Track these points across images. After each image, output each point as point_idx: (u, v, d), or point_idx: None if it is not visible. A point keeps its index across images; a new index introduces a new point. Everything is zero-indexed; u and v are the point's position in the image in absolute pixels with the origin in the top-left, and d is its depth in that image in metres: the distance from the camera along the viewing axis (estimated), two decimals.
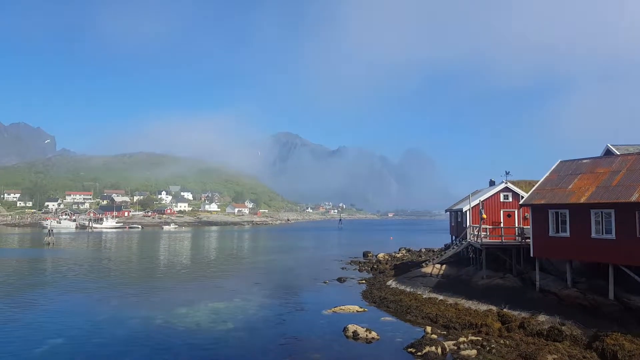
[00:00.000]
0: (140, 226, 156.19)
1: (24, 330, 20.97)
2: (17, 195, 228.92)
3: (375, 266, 44.49)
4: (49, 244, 68.94)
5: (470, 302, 23.73)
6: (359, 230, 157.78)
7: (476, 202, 32.97)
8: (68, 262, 48.82)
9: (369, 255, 56.05)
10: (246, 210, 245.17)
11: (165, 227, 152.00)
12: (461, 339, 18.62)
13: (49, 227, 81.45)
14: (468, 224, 32.44)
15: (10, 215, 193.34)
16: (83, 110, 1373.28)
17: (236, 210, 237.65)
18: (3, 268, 45.62)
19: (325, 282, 35.86)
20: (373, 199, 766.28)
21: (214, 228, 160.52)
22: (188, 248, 73.81)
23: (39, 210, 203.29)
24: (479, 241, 28.75)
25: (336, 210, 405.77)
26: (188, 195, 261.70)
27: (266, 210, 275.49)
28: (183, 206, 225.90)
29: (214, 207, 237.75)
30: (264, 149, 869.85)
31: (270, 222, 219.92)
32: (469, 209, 33.18)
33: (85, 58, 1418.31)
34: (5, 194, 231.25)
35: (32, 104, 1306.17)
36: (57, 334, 20.38)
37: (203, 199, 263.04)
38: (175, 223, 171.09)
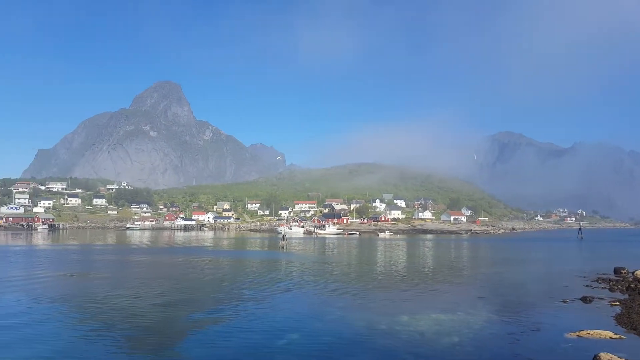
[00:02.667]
0: (357, 233, 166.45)
1: (265, 323, 24.26)
2: (258, 204, 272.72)
3: (632, 285, 36.97)
4: (283, 247, 79.33)
5: None
6: (606, 241, 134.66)
7: None
8: (299, 265, 55.33)
9: (623, 272, 46.93)
10: (463, 218, 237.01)
11: (381, 234, 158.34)
12: None
13: (282, 232, 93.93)
14: None
15: (252, 222, 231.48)
16: (303, 129, 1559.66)
17: (452, 218, 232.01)
18: (249, 268, 54.68)
19: (564, 302, 31.45)
20: (622, 204, 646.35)
21: (429, 236, 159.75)
22: (404, 256, 75.14)
23: (274, 217, 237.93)
24: None
25: (573, 218, 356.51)
26: (401, 203, 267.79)
27: (486, 219, 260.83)
28: (396, 214, 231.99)
29: (427, 214, 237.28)
30: (479, 151, 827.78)
31: (492, 231, 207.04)
32: None
33: (300, 83, 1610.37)
34: (249, 204, 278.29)
35: (265, 127, 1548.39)
36: (293, 329, 22.98)
37: (416, 206, 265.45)
38: (390, 230, 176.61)
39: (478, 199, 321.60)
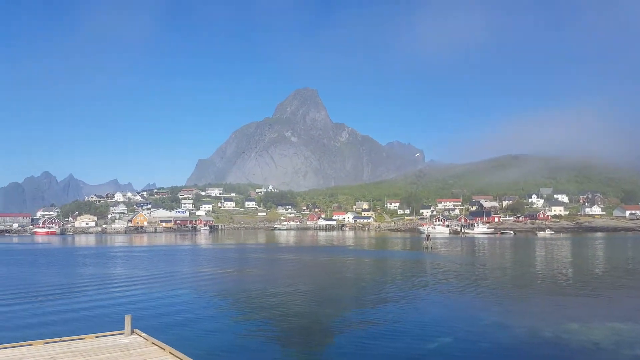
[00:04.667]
0: (512, 232, 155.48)
1: (413, 326, 23.76)
2: (397, 204, 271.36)
3: None
4: (427, 247, 77.46)
5: None
6: None
7: None
8: (446, 266, 53.41)
9: None
10: None
11: (540, 233, 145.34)
12: None
13: (426, 232, 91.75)
14: None
15: (392, 221, 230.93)
16: (441, 123, 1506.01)
17: (627, 213, 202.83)
18: (392, 268, 54.50)
19: None
20: None
21: (598, 235, 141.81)
22: (569, 257, 67.63)
23: (415, 216, 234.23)
24: None
25: None
26: (562, 198, 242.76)
27: None
28: (558, 210, 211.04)
29: (596, 210, 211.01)
30: None
31: None
32: None
33: (431, 76, 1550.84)
34: (388, 203, 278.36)
35: (401, 124, 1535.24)
36: (445, 333, 22.12)
37: (582, 201, 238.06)
38: (551, 229, 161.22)
39: None
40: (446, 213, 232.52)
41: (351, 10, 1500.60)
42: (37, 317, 25.33)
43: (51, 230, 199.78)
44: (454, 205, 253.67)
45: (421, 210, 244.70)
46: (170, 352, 12.18)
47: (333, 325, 24.56)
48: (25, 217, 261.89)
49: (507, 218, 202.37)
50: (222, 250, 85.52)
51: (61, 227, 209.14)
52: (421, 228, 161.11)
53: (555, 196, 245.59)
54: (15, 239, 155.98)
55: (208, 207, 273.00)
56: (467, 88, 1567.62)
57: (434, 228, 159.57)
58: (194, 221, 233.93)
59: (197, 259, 67.93)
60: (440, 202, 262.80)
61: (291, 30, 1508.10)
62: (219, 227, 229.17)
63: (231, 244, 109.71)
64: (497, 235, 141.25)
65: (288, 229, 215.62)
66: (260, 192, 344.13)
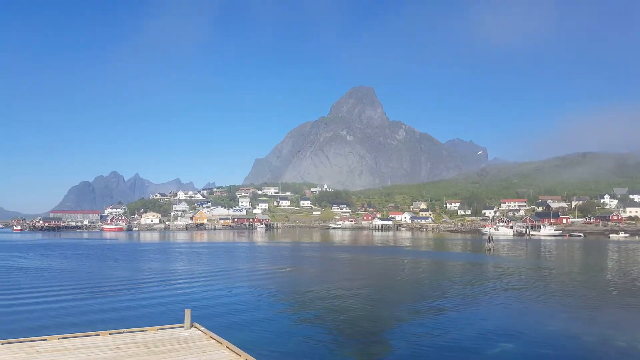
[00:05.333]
0: (581, 234, 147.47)
1: (473, 329, 23.05)
2: (457, 204, 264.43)
3: None
4: (489, 250, 74.83)
5: None
6: None
7: None
8: (509, 269, 51.41)
9: None
10: None
11: (613, 236, 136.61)
12: None
13: (488, 233, 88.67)
14: None
15: (452, 222, 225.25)
16: (505, 120, 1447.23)
17: None
18: (451, 270, 53.17)
19: None
20: None
21: None
22: None
23: (476, 217, 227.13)
24: None
25: None
26: (638, 199, 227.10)
27: None
28: (634, 211, 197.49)
29: None
30: None
31: None
32: None
33: (493, 70, 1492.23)
34: (447, 204, 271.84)
35: (462, 121, 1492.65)
36: (507, 337, 21.29)
37: None
38: (625, 231, 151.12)
39: None
40: (510, 214, 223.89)
41: (406, 5, 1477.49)
42: (104, 309, 26.93)
43: (118, 226, 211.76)
44: (518, 206, 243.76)
45: (483, 211, 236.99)
46: (227, 347, 12.53)
47: (390, 327, 24.32)
48: (94, 214, 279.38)
49: (577, 219, 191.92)
50: (277, 248, 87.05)
51: (127, 224, 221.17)
52: (483, 229, 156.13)
53: (631, 197, 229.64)
54: (85, 235, 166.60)
55: (264, 205, 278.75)
56: (532, 83, 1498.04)
57: (497, 229, 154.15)
58: (250, 219, 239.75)
59: (254, 257, 69.53)
60: (504, 203, 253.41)
61: (345, 29, 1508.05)
62: (275, 225, 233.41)
63: (286, 242, 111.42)
64: (565, 238, 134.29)
65: (343, 229, 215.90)
66: (315, 191, 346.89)
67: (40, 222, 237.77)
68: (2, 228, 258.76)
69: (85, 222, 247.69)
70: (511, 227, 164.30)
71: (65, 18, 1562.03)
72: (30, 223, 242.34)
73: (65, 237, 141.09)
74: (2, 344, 12.57)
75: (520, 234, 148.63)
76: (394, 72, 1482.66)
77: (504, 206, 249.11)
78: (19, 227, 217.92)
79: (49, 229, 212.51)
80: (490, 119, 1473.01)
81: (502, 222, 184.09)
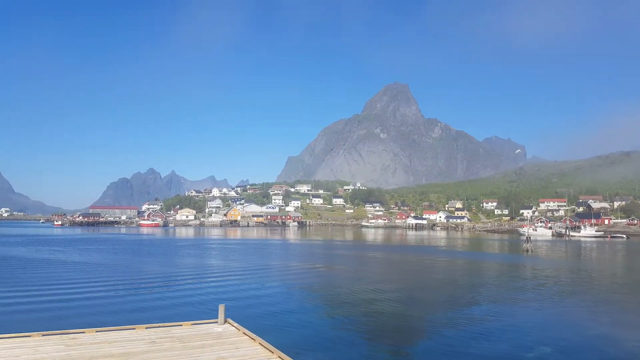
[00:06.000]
0: (624, 236, 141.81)
1: (510, 332, 22.48)
2: (494, 203, 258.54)
3: None
4: (527, 250, 72.95)
5: None
6: None
7: None
8: (547, 271, 49.96)
9: None
10: None
11: None
12: None
13: (526, 234, 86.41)
14: None
15: (489, 222, 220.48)
16: (545, 117, 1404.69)
17: None
18: (487, 271, 52.08)
19: None
20: None
21: None
22: None
23: (514, 217, 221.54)
24: None
25: None
26: None
27: None
28: None
29: None
30: None
31: None
32: None
33: (527, 66, 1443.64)
34: (484, 203, 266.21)
35: (500, 119, 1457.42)
36: (545, 342, 20.67)
37: None
38: None
39: None
40: (549, 214, 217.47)
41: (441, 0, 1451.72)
42: (139, 303, 27.70)
43: (155, 222, 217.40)
44: (558, 206, 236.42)
45: (521, 211, 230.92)
46: (260, 344, 12.67)
47: (422, 327, 24.05)
48: (132, 210, 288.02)
49: (619, 220, 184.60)
50: (310, 246, 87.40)
51: (164, 220, 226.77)
52: (521, 230, 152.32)
53: None
54: (123, 230, 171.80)
55: (297, 203, 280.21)
56: (574, 80, 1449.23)
57: (535, 230, 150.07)
58: (283, 217, 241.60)
59: (287, 254, 70.07)
60: (543, 202, 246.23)
61: (379, 26, 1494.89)
62: (307, 223, 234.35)
63: (319, 240, 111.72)
64: (607, 239, 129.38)
65: (376, 227, 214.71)
66: (348, 189, 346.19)
67: (80, 217, 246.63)
68: (44, 223, 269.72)
69: (123, 217, 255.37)
70: (550, 228, 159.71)
71: (104, 19, 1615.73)
72: (71, 218, 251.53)
73: (104, 232, 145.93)
74: (42, 335, 13.10)
75: (560, 235, 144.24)
76: (430, 69, 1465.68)
77: (542, 206, 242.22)
78: (60, 222, 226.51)
79: (88, 224, 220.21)
80: (529, 116, 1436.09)
81: (541, 222, 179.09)
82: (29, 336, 13.00)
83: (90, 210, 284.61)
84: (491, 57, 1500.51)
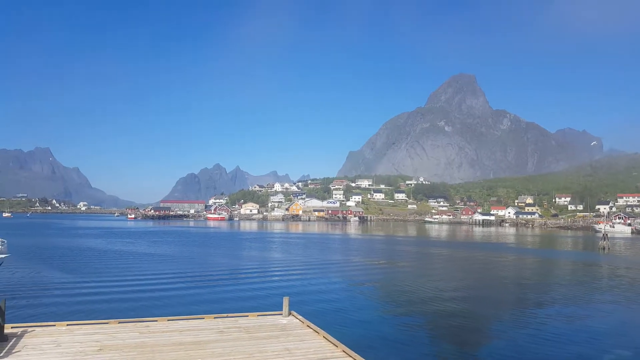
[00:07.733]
0: None
1: (584, 334, 21.42)
2: (568, 199, 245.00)
3: None
4: (603, 248, 68.88)
5: None
6: None
7: None
8: (626, 270, 46.86)
9: None
10: None
11: None
12: None
13: (602, 231, 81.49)
14: None
15: (562, 218, 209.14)
16: (624, 107, 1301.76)
17: None
18: (559, 270, 49.60)
19: None
20: None
21: None
22: None
23: (589, 213, 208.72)
24: None
25: None
26: None
27: None
28: None
29: None
30: None
31: None
32: None
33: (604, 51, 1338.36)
34: (557, 198, 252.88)
35: (574, 109, 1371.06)
36: (623, 346, 19.53)
37: None
38: None
39: None
40: (628, 210, 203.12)
41: None
42: (207, 296, 28.99)
43: (221, 216, 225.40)
44: (638, 201, 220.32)
45: (597, 206, 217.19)
46: (324, 337, 12.93)
47: (488, 327, 23.43)
48: (200, 204, 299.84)
49: None
50: (371, 241, 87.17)
51: (229, 214, 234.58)
52: (597, 226, 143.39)
53: None
54: (191, 223, 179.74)
55: (358, 198, 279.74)
56: None
57: (613, 227, 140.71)
58: (344, 211, 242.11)
59: (348, 249, 70.35)
60: (622, 197, 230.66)
61: (440, 15, 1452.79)
62: (368, 218, 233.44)
63: (380, 235, 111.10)
64: None
65: (440, 223, 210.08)
66: (411, 184, 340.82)
67: (152, 211, 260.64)
68: (118, 216, 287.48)
69: (192, 211, 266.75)
70: (629, 224, 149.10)
71: (170, 25, 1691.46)
72: (143, 212, 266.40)
73: (174, 225, 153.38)
74: (119, 322, 14.14)
75: None
76: (497, 58, 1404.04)
77: (621, 201, 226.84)
78: (133, 216, 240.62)
79: (159, 217, 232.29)
80: (606, 106, 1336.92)
81: (619, 218, 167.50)
82: (107, 323, 14.08)
83: (161, 204, 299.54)
84: (563, 42, 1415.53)
